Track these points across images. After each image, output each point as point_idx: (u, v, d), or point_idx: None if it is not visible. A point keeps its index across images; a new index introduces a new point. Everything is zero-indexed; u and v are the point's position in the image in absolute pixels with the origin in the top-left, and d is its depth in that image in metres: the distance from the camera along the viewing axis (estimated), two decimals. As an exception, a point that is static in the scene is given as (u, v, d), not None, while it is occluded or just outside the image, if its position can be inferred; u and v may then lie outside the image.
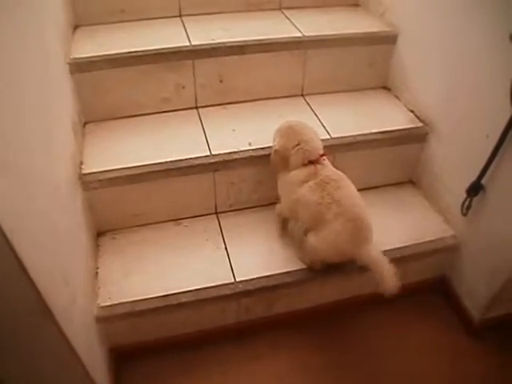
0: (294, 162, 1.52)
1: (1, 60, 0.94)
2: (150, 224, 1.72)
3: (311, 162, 1.50)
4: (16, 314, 0.96)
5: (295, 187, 1.51)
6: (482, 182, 1.55)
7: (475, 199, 1.60)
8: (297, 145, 1.51)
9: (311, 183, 1.47)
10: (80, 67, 1.68)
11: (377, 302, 1.74)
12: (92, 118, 1.80)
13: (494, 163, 1.49)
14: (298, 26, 1.95)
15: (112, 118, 1.82)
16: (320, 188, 1.45)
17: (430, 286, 1.87)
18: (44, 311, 0.98)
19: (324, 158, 1.53)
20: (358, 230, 1.44)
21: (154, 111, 1.86)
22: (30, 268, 0.89)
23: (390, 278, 1.41)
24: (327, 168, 1.51)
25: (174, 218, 1.74)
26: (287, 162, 1.53)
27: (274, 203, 1.76)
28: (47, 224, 1.10)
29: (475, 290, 1.71)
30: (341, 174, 1.51)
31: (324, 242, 1.47)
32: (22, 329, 0.99)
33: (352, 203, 1.45)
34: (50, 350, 1.07)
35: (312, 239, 1.50)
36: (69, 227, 1.32)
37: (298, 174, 1.51)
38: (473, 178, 1.56)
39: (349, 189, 1.48)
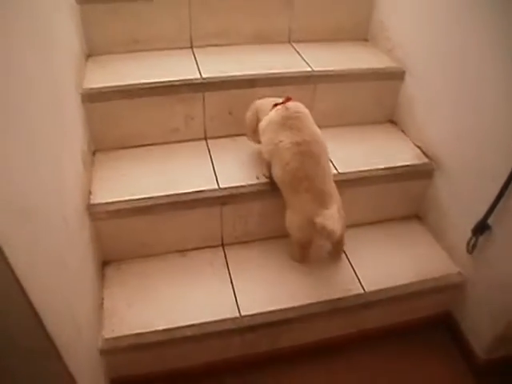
0: (264, 110, 1.66)
1: (17, 93, 0.95)
2: (156, 255, 1.72)
3: (281, 104, 1.62)
4: (21, 351, 0.96)
5: (276, 131, 1.58)
6: (489, 221, 1.55)
7: (481, 238, 1.60)
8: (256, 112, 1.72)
9: (292, 139, 1.52)
10: (91, 97, 1.70)
11: (381, 336, 1.76)
12: (101, 146, 1.82)
13: (500, 203, 1.49)
14: (308, 60, 1.98)
15: (121, 147, 1.83)
16: (300, 155, 1.50)
17: (434, 322, 1.85)
18: (50, 349, 0.98)
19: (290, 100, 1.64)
20: (321, 200, 1.48)
21: (163, 141, 1.87)
22: (38, 307, 0.89)
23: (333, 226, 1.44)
24: (307, 128, 1.56)
25: (180, 249, 1.74)
26: (259, 114, 1.69)
27: (281, 236, 1.77)
28: (56, 259, 1.11)
29: (480, 329, 1.70)
30: (322, 143, 1.57)
31: (295, 212, 1.55)
32: (26, 366, 0.99)
33: (322, 182, 1.51)
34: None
35: (288, 215, 1.59)
36: (76, 259, 1.32)
37: (273, 115, 1.60)
38: (479, 216, 1.57)
39: (324, 166, 1.54)
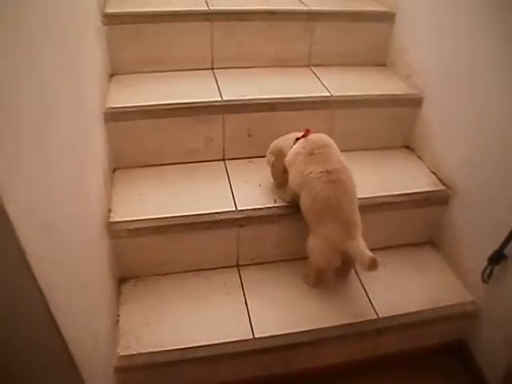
0: (289, 145, 1.66)
1: (50, 114, 0.99)
2: (172, 273, 1.74)
3: (302, 136, 1.64)
4: (40, 364, 0.98)
5: (306, 162, 1.58)
6: (505, 251, 1.55)
7: (497, 267, 1.59)
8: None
9: (322, 168, 1.54)
10: (114, 117, 1.74)
11: (393, 363, 1.75)
12: (121, 165, 1.86)
13: (517, 234, 1.50)
14: (326, 85, 2.01)
15: (141, 165, 1.87)
16: (331, 183, 1.52)
17: (448, 350, 1.84)
18: (69, 365, 1.00)
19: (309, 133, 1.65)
20: (348, 229, 1.50)
21: (182, 161, 1.90)
22: (59, 322, 0.91)
23: (370, 255, 1.45)
24: (334, 155, 1.58)
25: (196, 269, 1.76)
26: (281, 153, 1.69)
27: (296, 259, 1.80)
28: (78, 274, 1.13)
29: (494, 359, 1.69)
30: (348, 169, 1.58)
31: (321, 239, 1.56)
32: (45, 379, 1.00)
33: (349, 209, 1.52)
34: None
35: (312, 241, 1.60)
36: (95, 275, 1.34)
37: (299, 147, 1.61)
38: (495, 245, 1.56)
39: (352, 193, 1.56)
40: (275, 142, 1.75)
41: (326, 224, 1.53)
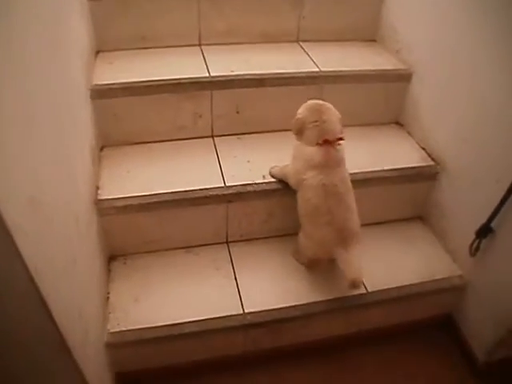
0: (309, 137, 1.55)
1: (30, 88, 0.96)
2: (161, 250, 1.74)
3: (326, 142, 1.52)
4: (32, 348, 0.98)
5: (306, 168, 1.54)
6: (492, 224, 1.56)
7: (484, 241, 1.61)
8: (315, 121, 1.54)
9: (320, 181, 1.50)
10: (100, 93, 1.72)
11: (382, 337, 1.78)
12: (109, 142, 1.84)
13: (504, 207, 1.50)
14: (315, 61, 1.99)
15: (129, 143, 1.85)
16: (324, 193, 1.50)
17: (436, 324, 1.87)
18: (61, 346, 1.00)
19: (340, 142, 1.55)
20: (343, 236, 1.50)
21: (170, 138, 1.89)
22: (50, 305, 0.91)
23: (355, 275, 1.48)
24: (340, 170, 1.55)
25: (185, 246, 1.76)
26: (302, 133, 1.57)
27: (285, 235, 1.81)
28: (67, 257, 1.12)
29: (481, 332, 1.72)
30: (349, 183, 1.57)
31: (314, 242, 1.58)
32: (36, 362, 1.00)
33: (344, 217, 1.52)
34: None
35: (302, 238, 1.63)
36: (85, 253, 1.34)
37: (312, 155, 1.53)
38: (482, 219, 1.58)
39: (347, 203, 1.54)
40: (309, 105, 1.60)
41: (320, 228, 1.52)
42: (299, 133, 1.58)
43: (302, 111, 1.59)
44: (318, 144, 1.52)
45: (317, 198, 1.51)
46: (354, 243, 1.51)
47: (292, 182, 1.63)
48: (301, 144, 1.58)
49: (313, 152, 1.53)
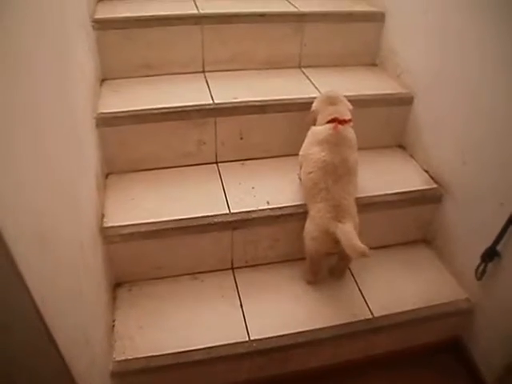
0: (320, 119, 1.68)
1: (39, 121, 0.98)
2: (167, 277, 1.74)
3: (334, 120, 1.63)
4: (37, 377, 0.98)
5: (312, 143, 1.67)
6: (498, 247, 1.56)
7: (490, 264, 1.60)
8: (326, 107, 1.69)
9: (322, 156, 1.58)
10: (105, 122, 1.74)
11: (390, 362, 1.76)
12: (114, 169, 1.86)
13: (509, 231, 1.50)
14: (318, 86, 2.02)
15: (134, 170, 1.87)
16: (323, 170, 1.58)
17: (444, 348, 1.85)
18: (66, 375, 1.00)
19: (348, 123, 1.66)
20: (338, 212, 1.52)
21: (174, 165, 1.91)
22: (56, 335, 0.91)
23: (355, 248, 1.44)
24: (343, 149, 1.61)
25: (190, 272, 1.76)
26: (315, 121, 1.71)
27: (291, 260, 1.81)
28: (72, 285, 1.13)
29: (490, 356, 1.70)
30: (351, 165, 1.61)
31: (309, 219, 1.61)
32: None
33: (340, 196, 1.55)
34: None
35: (306, 225, 1.64)
36: (91, 282, 1.34)
37: (320, 130, 1.65)
38: (488, 242, 1.58)
39: (345, 184, 1.58)
40: (322, 96, 1.76)
41: (317, 205, 1.56)
42: (312, 121, 1.71)
43: (315, 104, 1.75)
44: (326, 122, 1.64)
45: (316, 173, 1.58)
46: (348, 219, 1.51)
47: (300, 159, 1.74)
48: (313, 127, 1.72)
49: (321, 128, 1.65)
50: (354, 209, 1.57)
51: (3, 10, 0.82)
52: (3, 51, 0.80)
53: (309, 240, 1.62)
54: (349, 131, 1.65)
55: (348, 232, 1.47)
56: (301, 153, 1.74)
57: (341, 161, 1.58)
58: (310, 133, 1.72)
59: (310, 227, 1.60)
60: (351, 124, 1.67)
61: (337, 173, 1.57)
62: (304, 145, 1.73)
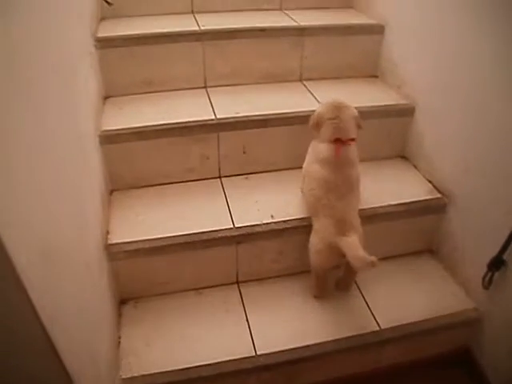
0: (324, 134, 1.63)
1: (40, 138, 0.99)
2: (172, 293, 1.74)
3: (337, 140, 1.59)
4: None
5: (314, 161, 1.66)
6: (504, 257, 1.55)
7: (497, 274, 1.59)
8: (332, 118, 1.62)
9: (324, 176, 1.58)
10: (109, 139, 1.76)
11: (398, 373, 1.74)
12: (118, 186, 1.87)
13: (515, 240, 1.50)
14: (319, 99, 2.03)
15: (138, 186, 1.88)
16: (325, 187, 1.57)
17: (452, 358, 1.82)
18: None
19: (352, 143, 1.62)
20: (341, 227, 1.51)
21: (178, 180, 1.92)
22: (62, 353, 0.91)
23: (361, 259, 1.43)
24: (345, 169, 1.60)
25: (196, 288, 1.76)
26: (319, 129, 1.65)
27: (296, 273, 1.80)
28: (78, 304, 1.13)
29: (499, 366, 1.68)
30: (353, 182, 1.61)
31: (314, 232, 1.60)
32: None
33: (344, 211, 1.55)
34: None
35: (310, 238, 1.63)
36: (96, 299, 1.35)
37: (323, 149, 1.62)
38: (494, 251, 1.57)
39: (348, 200, 1.57)
40: (327, 103, 1.68)
41: (321, 220, 1.56)
42: (316, 127, 1.66)
43: (319, 109, 1.69)
44: (329, 141, 1.60)
45: (318, 190, 1.58)
46: (352, 232, 1.50)
47: (303, 172, 1.75)
48: (316, 141, 1.68)
49: (323, 148, 1.62)
50: (357, 221, 1.57)
51: (7, 31, 0.84)
52: (7, 71, 0.82)
53: (314, 254, 1.62)
54: (351, 150, 1.63)
55: (353, 244, 1.46)
56: (304, 165, 1.75)
57: (343, 180, 1.58)
58: (311, 148, 1.72)
59: (315, 241, 1.60)
60: (355, 143, 1.65)
61: (340, 191, 1.56)
62: (306, 159, 1.74)
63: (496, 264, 1.58)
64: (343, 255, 1.47)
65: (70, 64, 1.40)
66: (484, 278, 1.62)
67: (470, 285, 1.76)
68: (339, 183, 1.57)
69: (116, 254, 1.59)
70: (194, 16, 2.24)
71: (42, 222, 0.93)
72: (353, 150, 1.64)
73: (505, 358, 1.65)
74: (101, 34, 1.95)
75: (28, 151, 0.88)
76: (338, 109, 1.64)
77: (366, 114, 1.96)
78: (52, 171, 1.04)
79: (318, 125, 1.66)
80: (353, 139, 1.63)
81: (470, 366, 1.80)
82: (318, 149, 1.65)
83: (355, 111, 1.67)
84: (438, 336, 1.74)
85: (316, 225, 1.60)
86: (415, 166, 2.06)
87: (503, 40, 1.51)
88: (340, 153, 1.59)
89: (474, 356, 1.80)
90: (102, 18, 2.18)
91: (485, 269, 1.61)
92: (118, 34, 1.98)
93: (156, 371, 1.49)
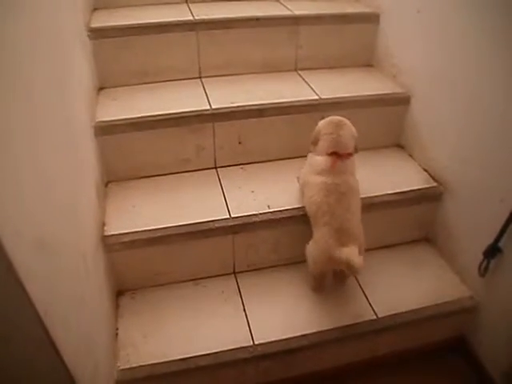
0: (321, 147, 1.63)
1: (37, 128, 0.99)
2: (169, 284, 1.74)
3: (335, 154, 1.58)
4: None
5: (311, 172, 1.63)
6: (500, 244, 1.56)
7: (493, 261, 1.60)
8: (330, 133, 1.61)
9: (322, 180, 1.57)
10: (104, 130, 1.74)
11: (395, 362, 1.75)
12: (114, 177, 1.86)
13: (510, 227, 1.50)
14: (314, 88, 2.02)
15: (134, 177, 1.87)
16: (325, 190, 1.55)
17: (449, 346, 1.84)
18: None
19: (348, 157, 1.61)
20: (341, 237, 1.50)
21: (174, 171, 1.91)
22: (59, 344, 0.91)
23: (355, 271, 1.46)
24: (343, 175, 1.58)
25: (193, 278, 1.76)
26: (317, 144, 1.65)
27: (293, 263, 1.80)
28: (75, 295, 1.13)
29: (496, 353, 1.69)
30: (353, 185, 1.59)
31: (313, 242, 1.59)
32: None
33: (344, 217, 1.53)
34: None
35: (309, 245, 1.62)
36: (93, 291, 1.34)
37: (319, 162, 1.61)
38: (490, 239, 1.57)
39: (348, 203, 1.55)
40: (328, 119, 1.67)
41: (320, 228, 1.54)
42: (314, 142, 1.65)
43: (321, 124, 1.68)
44: (326, 154, 1.59)
45: (318, 195, 1.56)
46: (351, 243, 1.49)
47: (300, 181, 1.74)
48: (313, 153, 1.67)
49: (320, 160, 1.61)
50: (358, 229, 1.56)
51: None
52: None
53: (311, 262, 1.63)
54: (348, 164, 1.61)
55: (350, 254, 1.45)
56: (302, 177, 1.73)
57: (342, 181, 1.57)
58: (308, 163, 1.70)
59: (314, 252, 1.59)
60: (352, 157, 1.64)
61: (339, 190, 1.55)
62: (304, 170, 1.73)
63: (492, 252, 1.58)
64: (341, 263, 1.48)
65: (63, 54, 1.39)
66: (480, 266, 1.63)
67: (467, 273, 1.77)
68: (338, 182, 1.56)
69: (112, 245, 1.58)
70: (188, 6, 2.22)
71: (36, 214, 0.92)
72: (350, 164, 1.62)
73: (501, 345, 1.66)
74: (94, 25, 1.93)
75: (20, 142, 0.88)
76: (337, 126, 1.63)
77: (362, 103, 1.98)
78: (46, 162, 1.04)
79: (316, 140, 1.65)
80: (350, 154, 1.62)
81: (466, 353, 1.82)
82: (315, 161, 1.63)
83: (355, 130, 1.66)
84: (435, 324, 1.75)
85: (316, 234, 1.57)
86: (411, 155, 2.06)
87: (501, 28, 1.51)
88: (336, 165, 1.58)
89: (471, 343, 1.81)
90: (95, 9, 2.16)
91: (481, 257, 1.62)
92: (112, 24, 1.96)
93: (154, 362, 1.49)
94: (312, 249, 1.60)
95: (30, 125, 0.96)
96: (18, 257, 0.77)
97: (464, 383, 1.76)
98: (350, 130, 1.65)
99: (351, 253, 1.44)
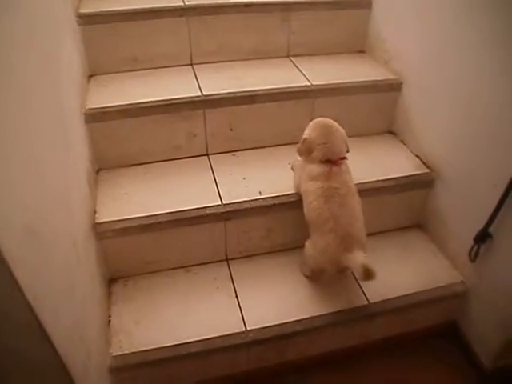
0: (315, 157, 1.59)
1: (20, 117, 0.97)
2: (161, 271, 1.74)
3: (329, 161, 1.56)
4: (33, 375, 0.98)
5: (307, 180, 1.60)
6: (490, 229, 1.57)
7: (483, 246, 1.61)
8: (324, 143, 1.58)
9: (319, 185, 1.54)
10: (94, 117, 1.73)
11: (387, 347, 1.77)
12: (105, 165, 1.85)
13: (501, 212, 1.51)
14: (306, 74, 2.01)
15: (125, 165, 1.86)
16: (324, 198, 1.53)
17: (440, 331, 1.85)
18: (62, 372, 1.00)
19: (343, 161, 1.59)
20: (346, 244, 1.49)
21: (165, 158, 1.90)
22: (50, 331, 0.91)
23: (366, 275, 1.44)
24: (340, 177, 1.56)
25: (185, 265, 1.76)
26: (310, 154, 1.60)
27: (286, 249, 1.81)
28: (65, 283, 1.12)
29: (486, 337, 1.71)
30: (351, 185, 1.58)
31: (317, 251, 1.56)
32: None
33: (348, 222, 1.52)
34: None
35: (308, 247, 1.62)
36: (84, 278, 1.34)
37: (313, 169, 1.58)
38: (480, 225, 1.58)
39: (350, 207, 1.55)
40: (317, 125, 1.63)
41: (325, 236, 1.52)
42: (306, 153, 1.61)
43: (309, 132, 1.63)
44: (320, 162, 1.57)
45: (318, 201, 1.53)
46: (356, 247, 1.49)
47: (296, 190, 1.71)
48: (304, 161, 1.63)
49: (314, 167, 1.58)
50: (362, 233, 1.55)
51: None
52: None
53: (313, 263, 1.64)
54: (343, 168, 1.59)
55: (356, 262, 1.45)
56: (297, 186, 1.70)
57: (340, 182, 1.56)
58: (299, 169, 1.68)
59: (315, 255, 1.58)
60: (346, 160, 1.62)
61: (339, 193, 1.53)
62: (296, 178, 1.71)
63: (482, 237, 1.59)
64: (352, 269, 1.50)
65: (53, 41, 1.37)
66: (470, 251, 1.64)
67: (458, 258, 1.78)
68: (337, 185, 1.54)
69: (104, 232, 1.58)
70: (179, -9, 2.19)
71: (26, 201, 0.92)
72: (344, 165, 1.61)
73: (491, 330, 1.68)
74: (83, 10, 1.90)
75: (10, 129, 0.87)
76: (329, 133, 1.60)
77: (353, 89, 1.97)
78: (36, 149, 1.03)
79: (309, 150, 1.60)
80: (343, 158, 1.60)
81: (457, 339, 1.84)
82: (309, 169, 1.60)
83: (344, 132, 1.64)
84: (426, 309, 1.77)
85: (317, 238, 1.56)
86: (403, 141, 2.06)
87: (494, 14, 1.50)
88: (332, 171, 1.56)
89: (461, 328, 1.83)
90: (84, -6, 2.13)
91: (471, 242, 1.63)
92: (101, 9, 1.93)
93: (146, 348, 1.49)
94: (315, 254, 1.58)
95: (20, 112, 0.95)
96: (6, 243, 0.76)
97: (455, 368, 1.77)
98: (341, 135, 1.62)
99: (365, 260, 1.44)
